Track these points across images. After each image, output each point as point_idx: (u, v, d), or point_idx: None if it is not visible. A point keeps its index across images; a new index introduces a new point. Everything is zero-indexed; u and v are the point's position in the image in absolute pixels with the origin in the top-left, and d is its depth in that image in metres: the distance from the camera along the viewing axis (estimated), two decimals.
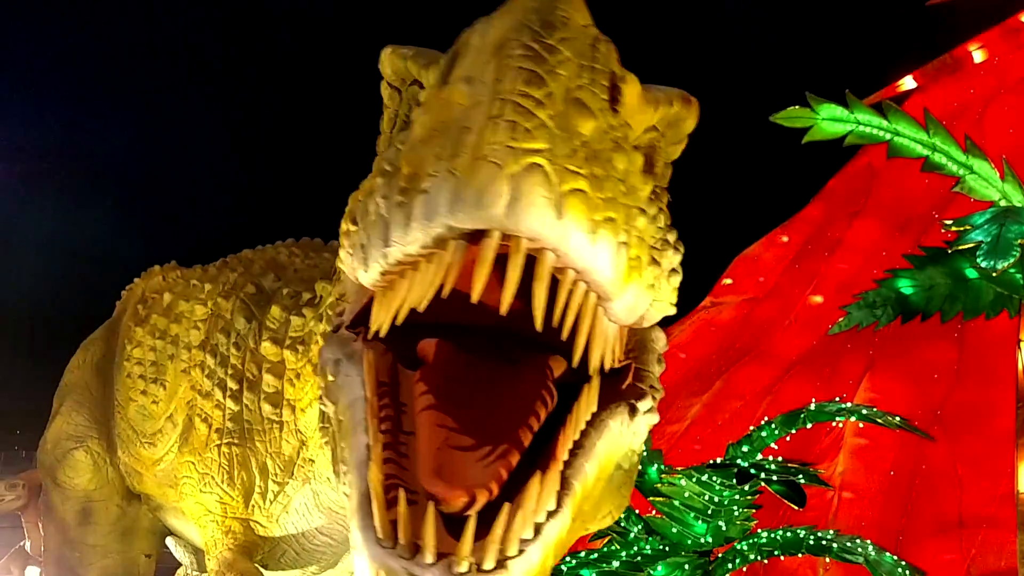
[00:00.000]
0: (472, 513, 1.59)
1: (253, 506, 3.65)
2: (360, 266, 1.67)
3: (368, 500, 1.61)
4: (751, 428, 4.94)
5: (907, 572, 4.29)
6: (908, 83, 11.98)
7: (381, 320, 1.65)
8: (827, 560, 4.73)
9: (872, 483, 7.81)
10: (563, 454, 1.73)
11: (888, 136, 4.51)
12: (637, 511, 4.92)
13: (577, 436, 1.76)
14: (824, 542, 4.49)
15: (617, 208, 1.52)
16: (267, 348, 3.53)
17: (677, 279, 1.94)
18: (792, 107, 4.64)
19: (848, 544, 4.44)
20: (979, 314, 4.45)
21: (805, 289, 11.24)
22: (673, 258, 1.90)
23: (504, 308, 1.46)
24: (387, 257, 1.56)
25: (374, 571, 1.56)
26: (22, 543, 8.30)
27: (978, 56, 11.77)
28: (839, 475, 7.88)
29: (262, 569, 3.80)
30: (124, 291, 4.91)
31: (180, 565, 5.14)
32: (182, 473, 3.86)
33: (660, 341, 2.02)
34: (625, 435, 1.87)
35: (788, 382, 10.00)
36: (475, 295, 1.46)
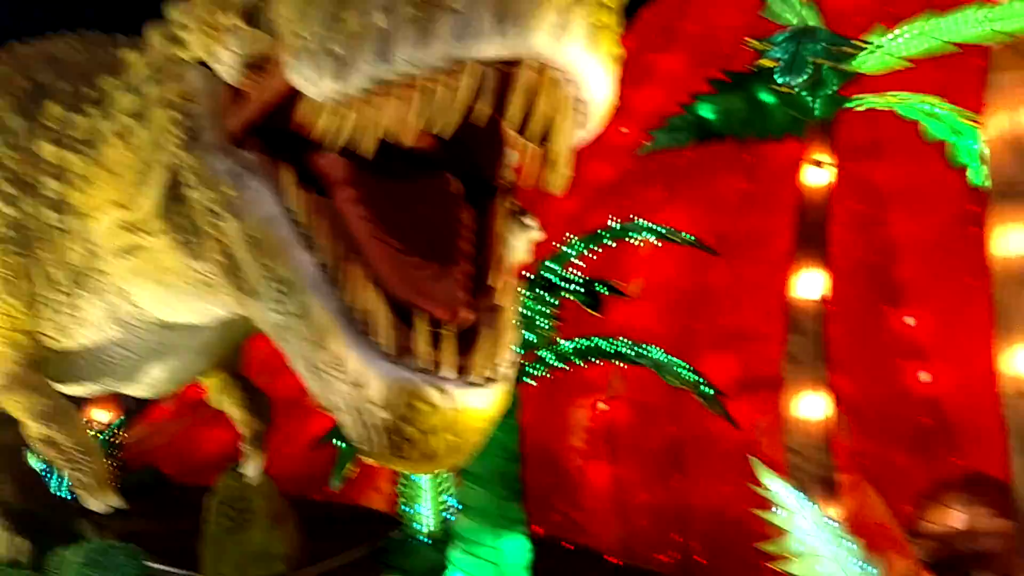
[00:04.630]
0: (453, 330, 1.58)
1: (39, 318, 3.43)
2: (329, 77, 1.47)
3: (349, 319, 1.58)
4: (555, 245, 5.14)
5: (689, 374, 4.73)
6: None
7: (346, 132, 1.53)
8: (621, 365, 5.11)
9: (661, 299, 8.46)
10: (508, 273, 1.77)
11: None
12: None
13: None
14: (619, 349, 4.84)
15: (617, 43, 1.52)
16: (46, 149, 3.18)
17: None
18: None
19: (639, 350, 4.81)
20: (767, 136, 4.74)
21: (612, 120, 11.51)
22: None
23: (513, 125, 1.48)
24: (379, 75, 1.40)
25: (390, 389, 1.52)
26: None
27: None
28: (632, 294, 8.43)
29: (54, 383, 3.62)
30: None
31: None
32: None
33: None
34: (519, 250, 1.96)
35: (593, 212, 10.37)
36: (482, 120, 1.43)
